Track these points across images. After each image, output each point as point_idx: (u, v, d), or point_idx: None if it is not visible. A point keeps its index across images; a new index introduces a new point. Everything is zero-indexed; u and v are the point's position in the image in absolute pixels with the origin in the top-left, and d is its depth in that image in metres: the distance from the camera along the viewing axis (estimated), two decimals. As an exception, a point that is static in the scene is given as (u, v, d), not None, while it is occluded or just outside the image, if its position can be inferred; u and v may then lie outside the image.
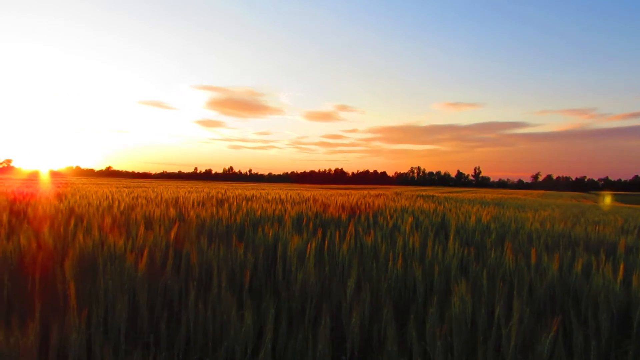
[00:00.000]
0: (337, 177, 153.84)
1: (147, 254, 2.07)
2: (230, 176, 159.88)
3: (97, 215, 3.65)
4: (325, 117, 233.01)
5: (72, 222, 2.75)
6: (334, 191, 17.14)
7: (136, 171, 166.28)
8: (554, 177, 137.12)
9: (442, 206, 7.28)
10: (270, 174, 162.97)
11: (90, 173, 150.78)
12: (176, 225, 2.80)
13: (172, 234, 2.75)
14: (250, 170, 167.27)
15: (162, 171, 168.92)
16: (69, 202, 4.69)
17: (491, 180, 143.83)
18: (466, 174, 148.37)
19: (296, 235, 2.96)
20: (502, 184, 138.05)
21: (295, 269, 2.38)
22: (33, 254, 2.26)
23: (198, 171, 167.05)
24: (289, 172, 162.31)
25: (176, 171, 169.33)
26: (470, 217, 5.01)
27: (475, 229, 4.23)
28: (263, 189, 18.04)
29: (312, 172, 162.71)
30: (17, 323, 1.54)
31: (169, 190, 12.08)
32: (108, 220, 3.23)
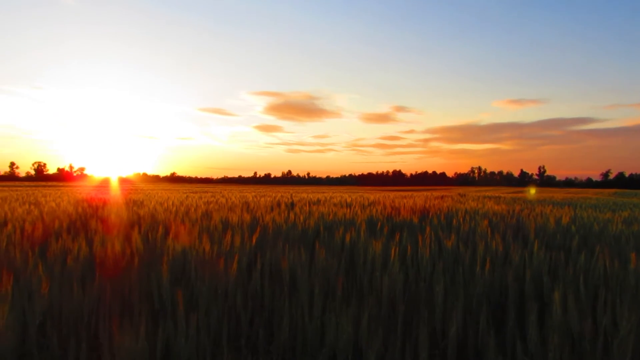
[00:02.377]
0: (395, 179, 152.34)
1: (237, 259, 2.11)
2: (288, 180, 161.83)
3: (178, 220, 3.78)
4: (382, 118, 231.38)
5: (161, 228, 2.86)
6: (395, 193, 16.97)
7: (199, 176, 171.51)
8: (627, 175, 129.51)
9: (511, 207, 7.04)
10: (328, 177, 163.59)
11: (156, 179, 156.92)
12: (258, 231, 2.86)
13: (254, 239, 2.81)
14: (308, 174, 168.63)
15: (223, 176, 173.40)
16: (148, 208, 4.89)
17: (557, 179, 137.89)
18: (530, 173, 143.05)
19: (374, 239, 2.94)
20: (569, 183, 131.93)
21: (380, 274, 2.36)
22: (128, 260, 2.37)
23: (257, 175, 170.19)
24: (347, 175, 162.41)
25: (236, 175, 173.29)
26: (547, 219, 4.80)
27: (555, 231, 4.05)
28: (323, 192, 18.12)
29: (369, 174, 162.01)
30: (124, 328, 1.61)
31: (235, 194, 12.36)
32: (189, 225, 3.34)
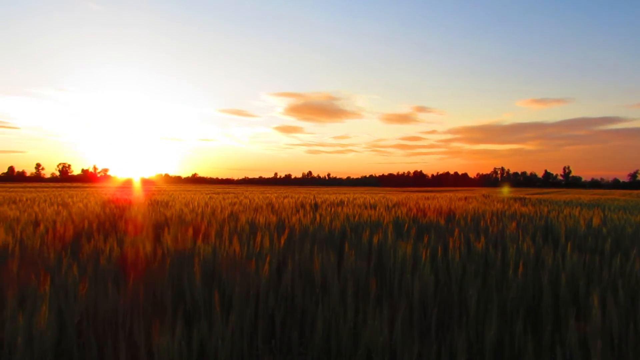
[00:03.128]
0: (416, 180, 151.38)
1: (269, 260, 2.12)
2: (309, 180, 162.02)
3: (205, 222, 3.80)
4: (403, 119, 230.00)
5: (191, 230, 2.88)
6: (417, 194, 16.86)
7: (220, 177, 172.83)
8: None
9: (536, 208, 6.93)
10: (348, 178, 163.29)
11: (177, 180, 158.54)
12: (286, 232, 2.86)
13: (282, 241, 2.81)
14: (328, 174, 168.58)
15: (244, 177, 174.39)
16: (174, 209, 4.94)
17: (583, 180, 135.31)
18: (554, 174, 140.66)
19: (401, 241, 2.92)
20: (595, 184, 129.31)
21: (411, 276, 2.34)
22: (159, 260, 2.39)
23: (278, 176, 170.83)
24: (367, 176, 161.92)
25: (257, 176, 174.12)
26: (577, 221, 4.71)
27: (586, 233, 3.97)
28: (345, 193, 18.10)
29: (390, 174, 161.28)
30: (159, 328, 1.62)
31: (257, 195, 12.42)
32: (216, 226, 3.36)
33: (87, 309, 1.80)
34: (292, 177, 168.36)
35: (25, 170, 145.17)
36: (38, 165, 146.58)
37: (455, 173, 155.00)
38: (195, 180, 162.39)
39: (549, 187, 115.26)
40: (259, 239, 2.56)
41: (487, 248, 2.94)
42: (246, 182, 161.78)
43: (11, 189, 21.83)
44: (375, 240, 3.13)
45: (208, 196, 11.41)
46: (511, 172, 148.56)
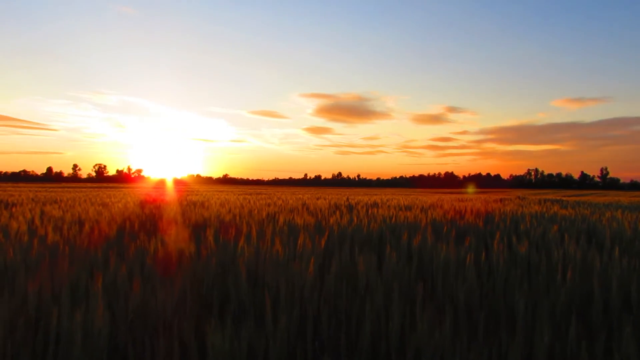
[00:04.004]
0: (447, 181, 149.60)
1: (313, 262, 2.12)
2: (339, 181, 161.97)
3: (243, 222, 3.85)
4: (434, 119, 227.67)
5: (233, 230, 2.92)
6: (449, 196, 16.67)
7: (250, 178, 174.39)
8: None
9: (578, 211, 6.76)
10: (378, 179, 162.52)
11: (209, 180, 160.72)
12: (327, 234, 2.87)
13: (323, 242, 2.81)
14: (358, 175, 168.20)
15: (274, 177, 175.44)
16: (212, 210, 5.01)
17: (621, 181, 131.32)
18: (591, 175, 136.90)
19: (442, 243, 2.89)
20: (634, 186, 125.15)
21: (455, 279, 2.32)
22: (204, 260, 2.43)
23: (308, 177, 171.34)
24: (397, 177, 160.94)
25: (287, 177, 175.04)
26: (622, 224, 4.58)
27: (633, 237, 3.85)
28: (376, 194, 18.04)
29: (421, 175, 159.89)
30: (209, 328, 1.64)
31: (289, 196, 12.49)
32: (256, 227, 3.39)
33: (138, 307, 1.84)
34: (322, 178, 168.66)
35: (63, 171, 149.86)
36: (75, 166, 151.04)
37: (488, 174, 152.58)
38: (226, 180, 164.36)
39: (585, 188, 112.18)
40: (301, 240, 2.57)
41: (531, 251, 2.88)
42: (276, 182, 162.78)
43: (51, 189, 22.51)
44: (415, 242, 3.11)
45: (241, 197, 11.53)
46: (545, 173, 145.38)
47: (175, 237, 3.01)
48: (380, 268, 2.61)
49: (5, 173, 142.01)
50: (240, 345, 1.53)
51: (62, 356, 1.54)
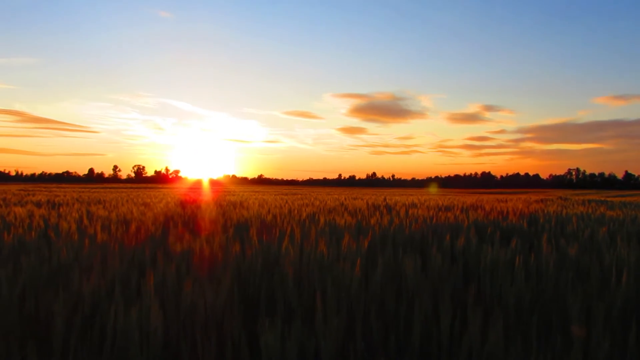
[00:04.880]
0: (484, 181, 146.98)
1: (359, 263, 2.12)
2: (373, 182, 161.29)
3: (284, 223, 3.87)
4: (470, 118, 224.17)
5: (276, 231, 2.94)
6: (488, 196, 16.37)
7: (284, 178, 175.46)
8: None
9: (626, 212, 6.52)
10: (413, 179, 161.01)
11: (244, 181, 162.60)
12: (370, 234, 2.86)
13: (366, 243, 2.80)
14: (393, 176, 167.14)
15: (308, 178, 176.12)
16: (252, 210, 5.07)
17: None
18: (636, 175, 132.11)
19: (487, 245, 2.84)
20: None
21: (502, 282, 2.27)
22: (250, 261, 2.46)
23: (342, 177, 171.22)
24: (433, 177, 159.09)
25: (321, 177, 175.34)
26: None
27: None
28: (411, 195, 17.87)
29: (456, 175, 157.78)
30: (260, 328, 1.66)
31: (325, 196, 12.50)
32: (298, 228, 3.40)
33: (189, 306, 1.87)
34: (356, 178, 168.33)
35: (104, 172, 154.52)
36: (115, 167, 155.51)
37: (526, 174, 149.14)
38: (261, 181, 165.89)
39: (629, 189, 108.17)
40: (345, 240, 2.57)
41: (581, 254, 2.80)
42: (310, 183, 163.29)
43: (93, 190, 23.22)
44: (459, 243, 3.06)
45: (278, 197, 11.61)
46: (587, 173, 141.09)
47: (219, 237, 3.06)
48: (424, 269, 2.58)
49: (50, 174, 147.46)
50: (292, 344, 1.54)
51: (118, 352, 1.59)
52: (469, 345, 1.63)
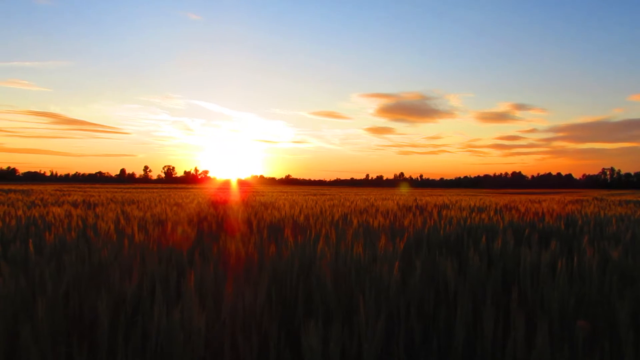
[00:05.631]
0: (514, 181, 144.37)
1: (398, 265, 2.10)
2: (401, 181, 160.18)
3: (317, 224, 3.87)
4: (500, 117, 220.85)
5: (312, 232, 2.95)
6: (520, 196, 16.08)
7: (312, 178, 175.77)
8: None
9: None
10: (441, 179, 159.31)
11: (272, 181, 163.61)
12: (405, 236, 2.84)
13: (402, 245, 2.78)
14: (421, 176, 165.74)
15: (335, 178, 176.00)
16: (284, 211, 5.08)
17: None
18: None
19: (525, 247, 2.78)
20: None
21: (546, 286, 2.22)
22: (286, 262, 2.46)
23: (369, 177, 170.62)
24: (461, 177, 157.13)
25: (349, 178, 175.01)
26: None
27: None
28: (441, 195, 17.67)
29: (486, 176, 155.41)
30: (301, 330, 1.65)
31: (353, 197, 12.47)
32: (332, 229, 3.40)
33: (229, 307, 1.88)
34: (384, 178, 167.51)
35: (135, 172, 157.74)
36: (146, 167, 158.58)
37: (558, 174, 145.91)
38: (288, 181, 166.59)
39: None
40: (382, 242, 2.55)
41: (625, 257, 2.71)
42: (338, 183, 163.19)
43: (125, 190, 23.67)
44: (497, 245, 3.01)
45: (307, 198, 11.63)
46: (622, 172, 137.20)
47: (254, 237, 3.07)
48: (462, 272, 2.55)
49: (83, 174, 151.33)
50: (334, 346, 1.53)
51: (162, 352, 1.61)
52: (513, 351, 1.59)
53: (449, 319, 1.95)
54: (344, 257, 2.43)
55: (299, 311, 2.16)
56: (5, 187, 25.24)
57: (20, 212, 5.33)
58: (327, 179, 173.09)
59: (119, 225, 3.92)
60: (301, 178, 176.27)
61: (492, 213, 5.28)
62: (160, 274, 2.40)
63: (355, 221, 3.92)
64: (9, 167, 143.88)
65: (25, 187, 23.71)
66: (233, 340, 1.74)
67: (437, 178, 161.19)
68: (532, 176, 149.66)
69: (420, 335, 1.91)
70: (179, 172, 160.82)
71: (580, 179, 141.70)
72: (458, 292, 2.19)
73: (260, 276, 2.46)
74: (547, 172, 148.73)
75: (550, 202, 9.19)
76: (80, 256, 2.64)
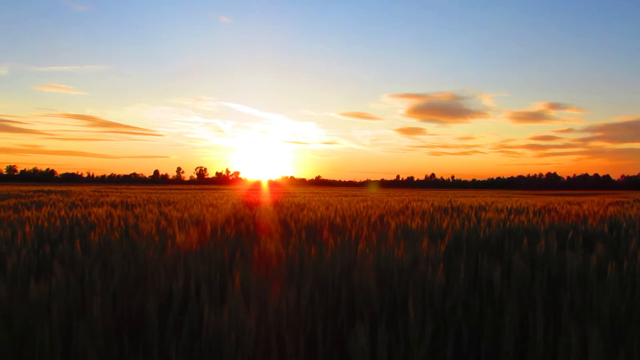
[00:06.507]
0: (549, 182, 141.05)
1: (442, 267, 2.08)
2: (432, 183, 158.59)
3: (356, 226, 3.87)
4: (534, 117, 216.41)
5: (353, 233, 2.95)
6: (557, 198, 15.71)
7: (342, 179, 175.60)
8: None
9: None
10: (474, 180, 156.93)
11: (302, 182, 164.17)
12: (447, 238, 2.81)
13: (443, 247, 2.75)
14: (452, 177, 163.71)
15: (365, 179, 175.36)
16: (320, 212, 5.10)
17: None
18: None
19: (570, 250, 2.72)
20: None
21: (595, 291, 2.16)
22: (327, 263, 2.47)
23: (400, 178, 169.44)
24: (495, 178, 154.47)
25: (379, 178, 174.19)
26: None
27: None
28: (474, 197, 17.41)
29: (520, 177, 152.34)
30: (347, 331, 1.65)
31: (387, 198, 12.40)
32: (370, 230, 3.39)
33: (275, 308, 1.90)
34: (415, 179, 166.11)
35: (168, 173, 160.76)
36: (179, 169, 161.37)
37: (595, 175, 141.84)
38: (318, 182, 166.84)
39: None
40: (425, 244, 2.53)
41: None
42: (368, 184, 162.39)
43: (160, 191, 24.11)
44: (539, 248, 2.95)
45: (339, 199, 11.62)
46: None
47: (294, 238, 3.09)
48: (503, 275, 2.51)
49: (118, 175, 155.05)
50: (383, 348, 1.53)
51: (212, 351, 1.63)
52: (567, 357, 1.56)
53: (496, 323, 1.92)
54: (385, 259, 2.42)
55: (342, 312, 2.16)
56: (46, 187, 26.07)
57: (62, 213, 5.50)
58: (357, 180, 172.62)
59: (159, 226, 4.00)
60: (331, 179, 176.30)
61: (531, 215, 5.17)
62: (203, 274, 2.44)
63: (392, 223, 3.90)
64: (48, 169, 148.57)
65: (64, 188, 24.42)
66: (280, 340, 1.75)
67: (469, 179, 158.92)
68: (568, 177, 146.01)
69: (469, 338, 1.88)
70: (211, 173, 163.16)
71: (618, 180, 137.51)
72: (504, 296, 2.15)
73: (302, 277, 2.48)
74: (584, 173, 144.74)
75: (590, 203, 8.95)
76: (126, 257, 2.71)
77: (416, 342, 1.52)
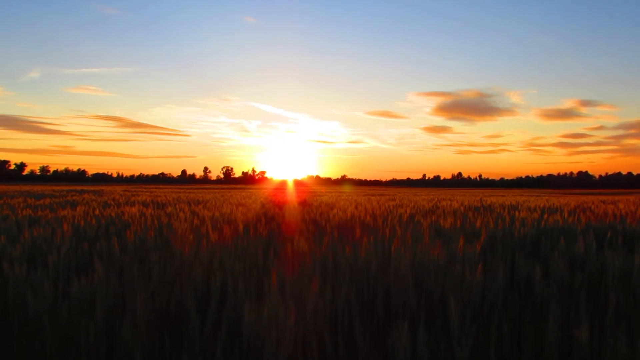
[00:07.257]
0: (580, 181, 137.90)
1: (481, 267, 2.06)
2: (459, 182, 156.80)
3: (386, 225, 3.85)
4: (565, 114, 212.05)
5: (386, 232, 2.94)
6: (590, 197, 15.34)
7: (368, 179, 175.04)
8: None
9: None
10: (502, 179, 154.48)
11: (327, 181, 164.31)
12: (482, 238, 2.77)
13: (478, 246, 2.72)
14: (480, 175, 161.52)
15: (391, 178, 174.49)
16: (350, 212, 5.09)
17: None
18: None
19: (610, 251, 2.65)
20: None
21: (638, 292, 2.11)
22: (363, 263, 2.46)
23: (426, 177, 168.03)
24: (523, 177, 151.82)
25: (405, 178, 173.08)
26: None
27: None
28: (503, 196, 17.15)
29: (549, 175, 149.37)
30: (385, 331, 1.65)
31: (414, 197, 12.31)
32: (406, 231, 3.37)
33: (313, 307, 1.91)
34: (441, 178, 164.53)
35: (195, 173, 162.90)
36: (206, 168, 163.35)
37: (629, 173, 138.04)
38: (344, 181, 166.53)
39: None
40: (461, 243, 2.50)
41: None
42: (394, 183, 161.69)
43: (188, 190, 24.43)
44: (578, 248, 2.88)
45: (367, 198, 11.59)
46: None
47: (327, 237, 3.09)
48: (545, 275, 2.46)
49: (147, 175, 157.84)
50: (424, 350, 1.52)
51: (252, 349, 1.65)
52: (614, 359, 1.52)
53: (538, 324, 1.88)
54: (420, 258, 2.40)
55: (379, 311, 2.15)
56: (78, 187, 26.69)
57: (97, 212, 5.62)
58: (383, 179, 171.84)
59: (192, 225, 4.05)
60: (357, 178, 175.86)
61: (566, 214, 5.07)
62: (239, 272, 2.46)
63: (424, 222, 3.87)
64: (79, 169, 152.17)
65: (95, 188, 24.97)
66: (319, 338, 1.75)
67: (497, 178, 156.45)
68: (600, 176, 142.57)
69: (510, 339, 1.86)
70: (237, 173, 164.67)
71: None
72: (544, 296, 2.11)
73: (336, 276, 2.48)
74: (617, 171, 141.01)
75: (626, 202, 8.72)
76: (163, 255, 2.75)
77: (458, 342, 1.50)
